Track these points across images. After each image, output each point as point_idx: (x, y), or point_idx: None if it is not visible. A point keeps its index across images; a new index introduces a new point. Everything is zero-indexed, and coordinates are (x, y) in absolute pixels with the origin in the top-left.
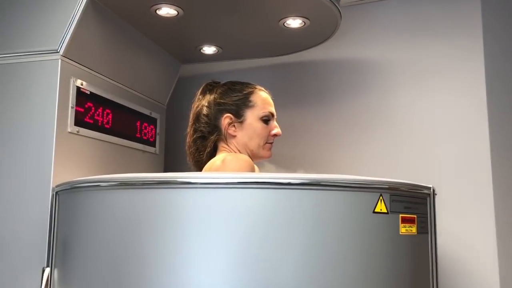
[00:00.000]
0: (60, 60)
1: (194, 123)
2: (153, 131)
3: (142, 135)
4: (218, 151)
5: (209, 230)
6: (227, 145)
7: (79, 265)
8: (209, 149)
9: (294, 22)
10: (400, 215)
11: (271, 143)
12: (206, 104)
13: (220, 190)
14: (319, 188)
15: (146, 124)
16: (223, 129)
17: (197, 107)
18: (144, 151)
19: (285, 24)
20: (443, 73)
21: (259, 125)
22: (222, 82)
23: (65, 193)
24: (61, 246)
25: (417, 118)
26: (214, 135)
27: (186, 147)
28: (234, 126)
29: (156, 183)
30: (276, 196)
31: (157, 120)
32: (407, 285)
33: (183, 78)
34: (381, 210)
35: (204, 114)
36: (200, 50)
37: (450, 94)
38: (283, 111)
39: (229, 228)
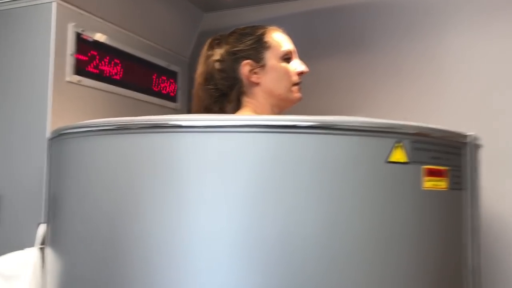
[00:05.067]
0: (56, 3)
1: (208, 83)
2: (173, 86)
3: (161, 89)
4: (241, 107)
5: (207, 175)
6: (251, 98)
7: (68, 218)
8: (233, 104)
9: None
10: (424, 166)
11: (299, 83)
12: (219, 57)
13: (217, 134)
14: (327, 132)
15: (164, 78)
16: (244, 79)
17: (208, 65)
18: (163, 106)
19: None
20: (504, 12)
21: (282, 65)
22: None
23: (55, 142)
24: (52, 199)
25: (471, 66)
26: (235, 88)
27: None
28: (255, 72)
29: (145, 127)
30: (280, 140)
31: (177, 74)
32: (433, 248)
33: (208, 31)
34: (398, 159)
35: (218, 70)
36: None
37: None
38: (316, 60)
39: (226, 174)
